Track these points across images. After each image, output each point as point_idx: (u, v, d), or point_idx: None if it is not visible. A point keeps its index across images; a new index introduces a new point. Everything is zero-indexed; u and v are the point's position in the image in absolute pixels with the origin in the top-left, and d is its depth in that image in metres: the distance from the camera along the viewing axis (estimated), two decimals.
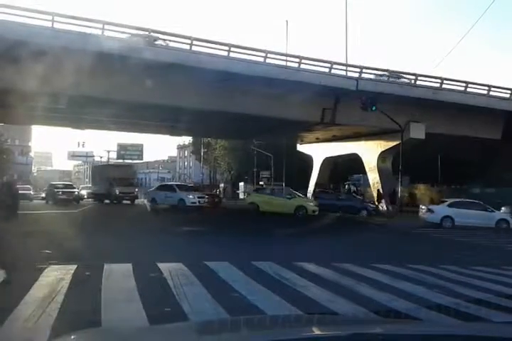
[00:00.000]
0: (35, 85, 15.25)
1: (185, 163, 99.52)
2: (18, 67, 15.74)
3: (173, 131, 31.71)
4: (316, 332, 1.49)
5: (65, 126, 31.51)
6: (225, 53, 18.60)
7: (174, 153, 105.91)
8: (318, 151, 33.55)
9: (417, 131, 24.10)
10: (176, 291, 5.16)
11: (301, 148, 36.58)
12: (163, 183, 35.88)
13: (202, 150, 60.88)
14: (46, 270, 6.30)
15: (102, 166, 42.10)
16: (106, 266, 6.51)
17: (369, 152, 27.53)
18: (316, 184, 34.53)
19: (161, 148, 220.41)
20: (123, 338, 1.48)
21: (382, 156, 26.72)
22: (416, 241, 15.37)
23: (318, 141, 32.16)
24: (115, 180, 30.32)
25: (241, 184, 53.37)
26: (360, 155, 28.51)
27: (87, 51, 14.88)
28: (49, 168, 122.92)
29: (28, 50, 14.48)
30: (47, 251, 8.26)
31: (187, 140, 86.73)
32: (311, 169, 36.33)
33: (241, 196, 50.02)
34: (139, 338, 1.48)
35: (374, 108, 20.03)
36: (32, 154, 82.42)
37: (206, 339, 1.42)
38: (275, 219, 19.96)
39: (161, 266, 6.83)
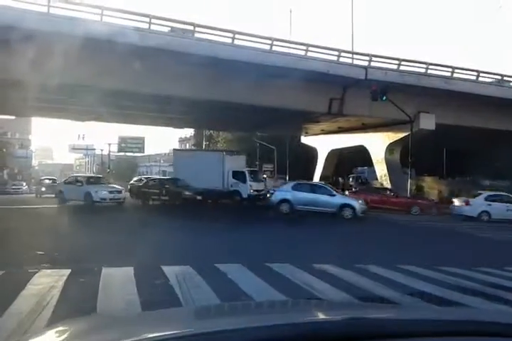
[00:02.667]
0: (25, 72, 14.48)
1: None
2: (7, 53, 15.06)
3: (175, 123, 30.97)
4: (312, 316, 1.47)
5: (64, 117, 30.76)
6: (229, 41, 17.81)
7: (176, 146, 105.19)
8: (323, 143, 32.81)
9: (427, 122, 23.36)
10: (185, 302, 4.47)
11: (306, 140, 35.85)
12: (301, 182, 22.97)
13: (204, 143, 60.12)
14: (36, 275, 5.64)
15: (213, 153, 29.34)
16: (104, 271, 5.79)
17: (376, 144, 26.79)
18: (321, 177, 33.84)
19: (162, 141, 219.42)
20: (118, 324, 1.50)
21: (390, 148, 25.99)
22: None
23: (323, 132, 31.41)
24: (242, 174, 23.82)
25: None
26: (366, 147, 27.78)
27: (77, 36, 14.12)
28: (50, 162, 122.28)
29: (18, 35, 13.74)
30: (39, 253, 7.60)
31: (189, 133, 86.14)
32: (316, 162, 35.65)
33: None
34: (133, 323, 1.50)
35: (384, 98, 19.27)
36: (32, 148, 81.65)
37: (199, 324, 1.44)
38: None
39: (167, 269, 6.10)
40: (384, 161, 26.21)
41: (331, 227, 15.20)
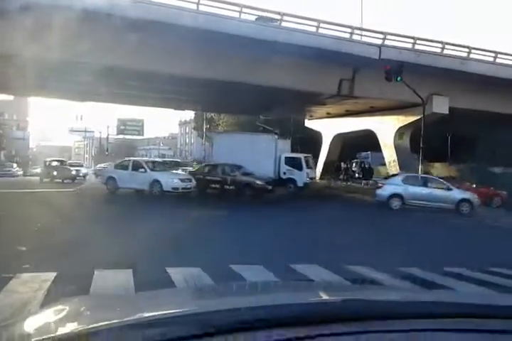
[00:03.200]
0: (21, 46, 13.50)
1: (187, 140, 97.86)
2: (2, 27, 14.06)
3: (176, 104, 29.80)
4: (308, 297, 1.42)
5: (62, 97, 29.63)
6: (236, 15, 16.68)
7: (175, 130, 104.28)
8: (329, 127, 31.81)
9: (440, 105, 22.34)
10: None
11: (310, 123, 34.82)
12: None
13: (204, 126, 58.96)
14: (11, 282, 4.44)
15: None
16: (97, 274, 4.67)
17: (385, 128, 25.80)
18: (326, 162, 32.96)
19: (162, 124, 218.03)
20: (112, 304, 1.48)
21: (400, 132, 25.02)
22: None
23: (329, 116, 30.38)
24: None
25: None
26: (374, 131, 26.80)
27: (74, 9, 13.08)
28: (48, 144, 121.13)
29: (14, 6, 12.71)
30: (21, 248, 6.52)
31: (189, 116, 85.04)
32: (320, 146, 34.73)
33: None
34: (128, 304, 1.49)
35: (399, 78, 18.20)
36: (29, 129, 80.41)
37: (193, 304, 1.44)
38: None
39: (172, 271, 5.02)
40: (393, 146, 25.27)
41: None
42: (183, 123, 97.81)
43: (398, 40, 19.73)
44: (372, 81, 20.58)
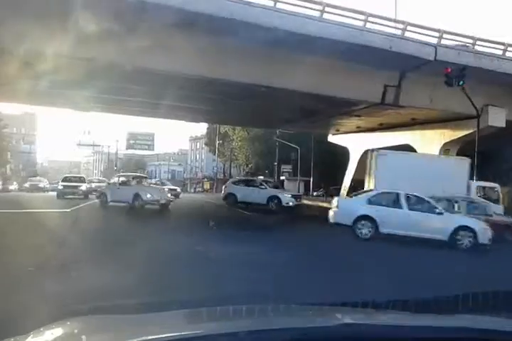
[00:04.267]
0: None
1: (197, 156, 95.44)
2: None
3: (189, 116, 27.09)
4: (305, 322, 1.46)
5: (67, 106, 27.04)
6: (270, 3, 13.97)
7: (185, 146, 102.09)
8: (357, 142, 28.79)
9: (497, 118, 19.36)
10: None
11: (334, 138, 31.89)
12: None
13: (217, 141, 56.40)
14: None
15: None
16: None
17: (427, 143, 22.75)
18: (353, 180, 29.86)
19: (171, 140, 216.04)
20: (111, 326, 1.48)
21: (446, 148, 21.96)
22: None
23: (358, 130, 27.44)
24: None
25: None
26: (414, 146, 23.76)
27: None
28: (57, 159, 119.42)
29: None
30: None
31: (200, 132, 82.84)
32: (343, 163, 31.78)
33: None
34: (126, 325, 1.48)
35: (462, 82, 15.31)
36: (37, 143, 78.38)
37: (191, 328, 1.43)
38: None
39: None
40: None
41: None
42: (193, 139, 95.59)
43: (455, 40, 16.84)
44: (421, 88, 17.76)
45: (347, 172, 30.61)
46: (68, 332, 1.33)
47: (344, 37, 14.53)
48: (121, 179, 20.78)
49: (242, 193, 21.42)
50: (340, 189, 35.44)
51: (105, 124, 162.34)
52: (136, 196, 17.81)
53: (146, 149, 57.07)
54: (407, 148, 26.53)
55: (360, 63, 16.27)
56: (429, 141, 22.62)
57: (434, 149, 22.45)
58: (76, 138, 56.14)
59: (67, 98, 21.86)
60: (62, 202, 19.81)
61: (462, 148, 22.52)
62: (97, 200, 21.37)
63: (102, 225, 12.55)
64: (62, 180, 24.97)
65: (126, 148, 56.36)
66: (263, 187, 21.67)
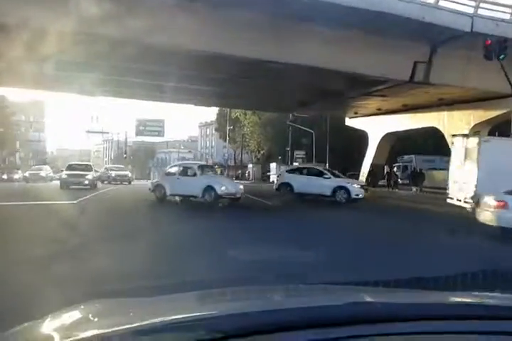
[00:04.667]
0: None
1: (207, 143, 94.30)
2: None
3: (198, 99, 25.76)
4: (314, 301, 1.43)
5: (73, 91, 25.79)
6: None
7: (195, 133, 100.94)
8: (377, 125, 27.36)
9: None
10: None
11: (352, 122, 30.45)
12: None
13: (228, 127, 55.05)
14: None
15: None
16: None
17: (454, 125, 21.23)
18: (372, 165, 28.49)
19: (181, 127, 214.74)
20: (121, 309, 1.48)
21: (475, 130, 20.46)
22: None
23: (379, 112, 25.96)
24: None
25: (272, 165, 47.51)
26: (441, 129, 22.31)
27: None
28: (67, 148, 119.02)
29: None
30: None
31: (210, 118, 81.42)
32: (359, 148, 30.43)
33: (272, 179, 44.40)
34: (137, 308, 1.46)
35: (503, 56, 13.79)
36: (46, 131, 77.64)
37: (203, 309, 1.45)
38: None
39: None
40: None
41: None
42: (203, 125, 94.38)
43: (492, 10, 15.24)
44: (453, 64, 16.20)
45: (366, 157, 29.24)
46: (83, 316, 1.35)
47: (368, 4, 13.03)
48: (181, 168, 17.15)
49: (300, 183, 18.65)
50: (357, 175, 34.11)
51: (114, 111, 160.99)
52: (208, 189, 15.00)
53: (156, 136, 55.89)
54: (432, 131, 25.15)
55: (388, 36, 14.82)
56: (457, 123, 21.13)
57: (463, 131, 20.97)
58: (85, 126, 55.14)
59: (73, 81, 20.59)
60: (65, 193, 18.29)
61: (490, 130, 21.10)
62: (108, 189, 20.39)
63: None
64: (67, 168, 22.87)
65: (136, 135, 55.20)
66: (327, 176, 18.74)
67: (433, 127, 23.20)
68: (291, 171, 20.86)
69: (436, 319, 1.12)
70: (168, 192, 15.71)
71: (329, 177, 18.65)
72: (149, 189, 16.92)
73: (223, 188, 15.09)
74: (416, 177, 27.56)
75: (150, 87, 21.66)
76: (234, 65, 16.00)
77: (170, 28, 12.98)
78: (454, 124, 21.27)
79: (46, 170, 32.78)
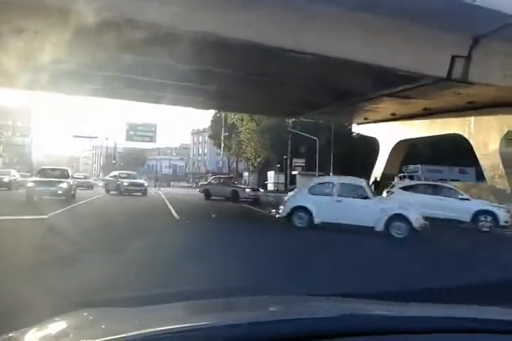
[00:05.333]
0: None
1: (200, 150, 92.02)
2: None
3: (196, 100, 23.32)
4: (309, 312, 1.44)
5: (57, 90, 23.36)
6: None
7: (187, 141, 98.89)
8: (390, 132, 25.23)
9: None
10: None
11: (360, 128, 28.30)
12: None
13: (223, 133, 52.71)
14: None
15: None
16: None
17: (483, 131, 19.15)
18: (383, 175, 26.26)
19: (173, 134, 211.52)
20: (109, 319, 1.46)
21: (508, 137, 18.35)
22: None
23: (393, 117, 23.77)
24: None
25: (270, 173, 45.26)
26: (465, 136, 20.17)
27: None
28: (56, 154, 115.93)
29: None
30: None
31: (202, 125, 79.25)
32: (364, 155, 28.35)
33: (269, 187, 42.06)
34: (125, 319, 1.47)
35: None
36: (32, 136, 74.64)
37: (192, 320, 1.41)
38: None
39: None
40: (498, 156, 18.53)
41: None
42: (196, 133, 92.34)
43: None
44: (494, 59, 14.03)
45: (376, 166, 27.06)
46: (71, 325, 1.33)
47: None
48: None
49: (424, 205, 13.15)
50: None
51: (103, 116, 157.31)
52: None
53: (147, 141, 53.31)
54: (453, 138, 23.03)
55: (427, 26, 12.61)
56: (485, 129, 19.01)
57: (493, 138, 18.84)
58: (73, 131, 52.47)
59: (56, 75, 18.13)
60: (29, 206, 14.39)
61: None
62: (89, 200, 17.55)
63: None
64: (37, 174, 18.32)
65: (126, 140, 52.58)
66: (463, 197, 14.12)
67: (455, 134, 21.08)
68: (409, 188, 15.17)
69: (433, 332, 1.12)
70: (317, 219, 11.19)
71: (467, 199, 13.96)
72: (275, 211, 11.95)
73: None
74: None
75: (142, 85, 19.22)
76: (238, 56, 13.69)
77: (160, 3, 10.61)
78: (481, 131, 19.15)
79: (12, 176, 26.03)
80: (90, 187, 32.63)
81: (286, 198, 12.52)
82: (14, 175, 26.68)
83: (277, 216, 11.72)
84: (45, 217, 10.02)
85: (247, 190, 22.87)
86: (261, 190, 25.01)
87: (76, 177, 33.36)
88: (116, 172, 27.87)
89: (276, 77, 16.32)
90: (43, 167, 20.02)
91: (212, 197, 22.93)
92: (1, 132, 53.04)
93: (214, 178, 26.42)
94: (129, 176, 26.61)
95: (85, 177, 36.56)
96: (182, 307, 1.71)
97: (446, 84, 14.68)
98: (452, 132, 21.01)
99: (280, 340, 1.02)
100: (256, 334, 1.04)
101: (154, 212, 15.54)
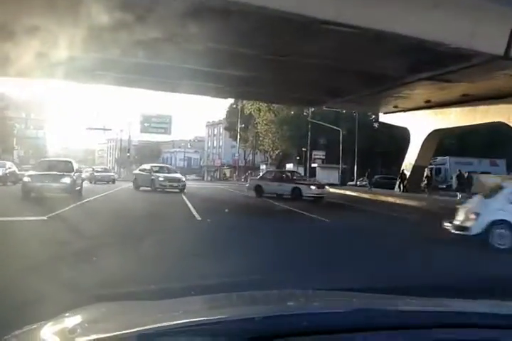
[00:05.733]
0: None
1: (215, 143, 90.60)
2: None
3: (215, 87, 21.70)
4: (318, 307, 1.46)
5: (65, 77, 21.93)
6: None
7: (202, 133, 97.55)
8: (423, 121, 23.43)
9: None
10: None
11: (388, 118, 26.53)
12: None
13: (239, 125, 51.18)
14: None
15: None
16: None
17: None
18: (414, 168, 24.51)
19: (187, 127, 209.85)
20: (123, 313, 1.48)
21: None
22: None
23: (427, 105, 21.97)
24: None
25: (289, 166, 43.60)
26: (510, 124, 18.35)
27: None
28: (72, 147, 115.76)
29: None
30: None
31: (218, 117, 77.73)
32: (390, 147, 26.60)
33: None
34: (138, 312, 1.48)
35: None
36: (45, 129, 73.96)
37: (206, 314, 1.41)
38: None
39: None
40: None
41: None
42: (211, 125, 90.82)
43: None
44: None
45: (406, 158, 25.31)
46: (87, 319, 1.34)
47: None
48: None
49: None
50: (390, 178, 30.22)
51: (116, 108, 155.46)
52: None
53: (162, 133, 51.99)
54: (495, 128, 21.22)
55: None
56: None
57: None
58: (86, 123, 51.45)
59: (64, 61, 16.68)
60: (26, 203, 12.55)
61: None
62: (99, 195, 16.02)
63: None
64: (37, 167, 16.15)
65: (141, 132, 51.34)
66: None
67: (497, 122, 19.24)
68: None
69: (444, 326, 1.11)
70: None
71: None
72: (451, 225, 8.62)
73: None
74: (464, 182, 23.50)
75: (157, 71, 17.71)
76: (275, 34, 12.15)
77: None
78: None
79: (7, 168, 23.10)
80: (112, 181, 30.28)
81: (465, 204, 9.35)
82: (10, 167, 23.91)
83: (462, 232, 8.35)
84: (44, 218, 8.50)
85: (312, 187, 18.95)
86: (327, 187, 21.15)
87: (96, 171, 31.85)
88: (147, 166, 24.18)
89: (302, 57, 14.63)
90: (43, 159, 17.88)
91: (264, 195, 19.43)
92: (14, 125, 52.08)
93: (268, 172, 23.25)
94: (163, 170, 23.08)
95: (105, 170, 34.32)
96: (197, 301, 1.76)
97: (502, 64, 12.88)
98: (494, 120, 19.18)
99: (294, 334, 1.03)
100: (270, 328, 1.05)
101: (178, 216, 11.49)
